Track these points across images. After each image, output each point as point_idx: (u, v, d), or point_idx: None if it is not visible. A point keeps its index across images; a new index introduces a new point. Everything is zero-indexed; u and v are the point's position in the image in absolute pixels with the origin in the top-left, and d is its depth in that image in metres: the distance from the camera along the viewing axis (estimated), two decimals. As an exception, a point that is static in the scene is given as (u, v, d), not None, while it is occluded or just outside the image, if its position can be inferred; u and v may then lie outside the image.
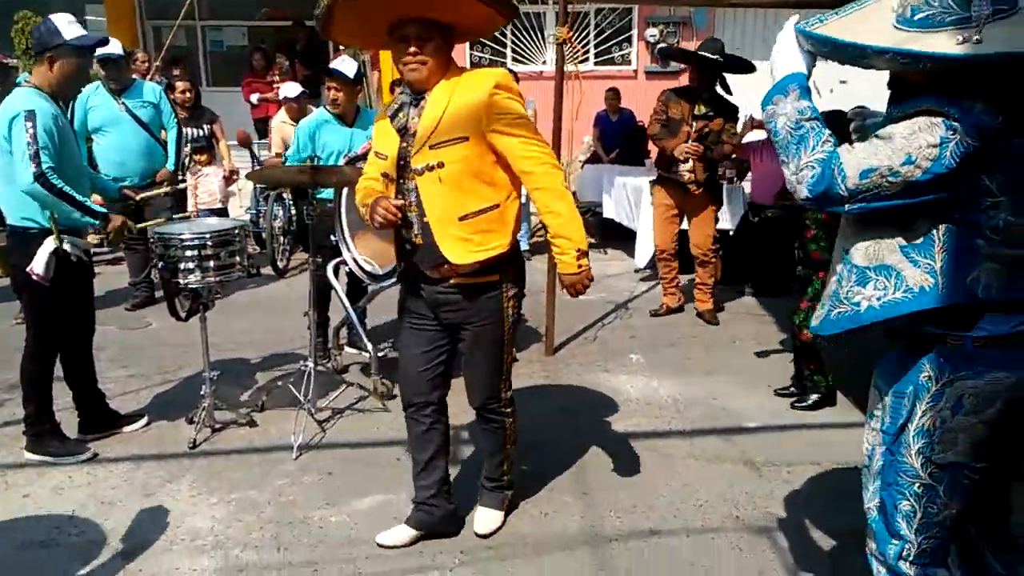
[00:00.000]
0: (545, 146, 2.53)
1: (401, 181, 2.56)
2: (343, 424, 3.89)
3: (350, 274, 4.20)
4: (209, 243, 3.52)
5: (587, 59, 10.73)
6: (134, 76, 6.13)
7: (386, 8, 2.40)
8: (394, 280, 3.58)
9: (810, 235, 3.86)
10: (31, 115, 3.17)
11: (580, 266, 2.49)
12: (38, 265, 3.28)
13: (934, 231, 1.75)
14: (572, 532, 2.97)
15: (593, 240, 8.15)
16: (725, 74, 5.39)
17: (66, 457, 3.50)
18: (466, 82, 2.49)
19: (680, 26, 10.74)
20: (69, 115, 4.06)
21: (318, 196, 4.35)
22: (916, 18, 1.68)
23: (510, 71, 7.73)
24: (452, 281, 2.58)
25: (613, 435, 3.79)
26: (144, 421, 3.88)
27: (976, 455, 1.83)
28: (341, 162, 4.31)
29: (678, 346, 5.09)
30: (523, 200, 7.67)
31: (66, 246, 3.34)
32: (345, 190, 4.06)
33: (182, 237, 3.50)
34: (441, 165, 2.45)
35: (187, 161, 6.62)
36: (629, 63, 10.96)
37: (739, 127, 5.73)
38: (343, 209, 4.14)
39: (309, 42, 10.33)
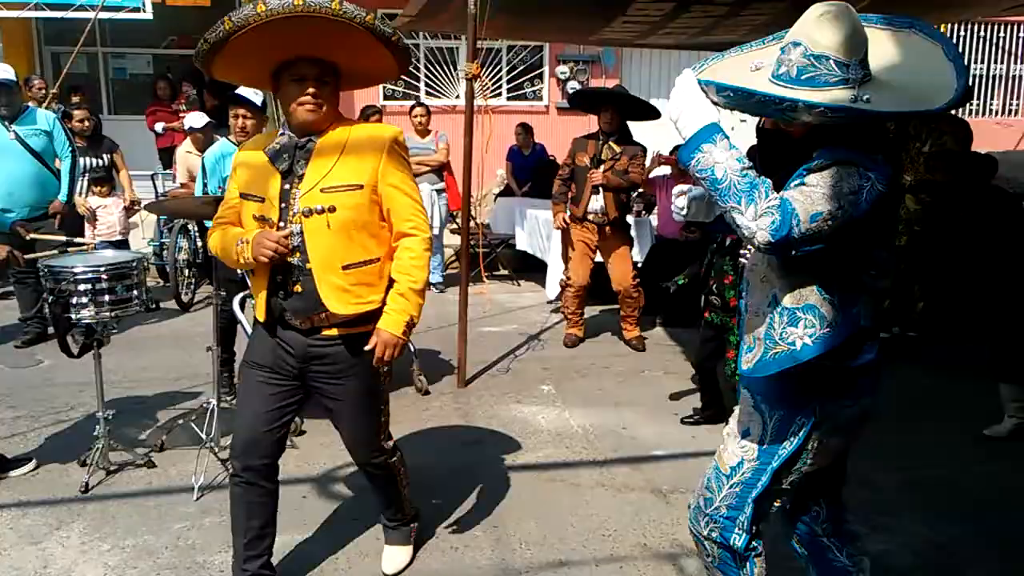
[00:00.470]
0: (424, 214, 2.55)
1: (282, 225, 2.40)
2: (248, 462, 3.76)
3: (256, 308, 4.09)
4: (104, 276, 3.38)
5: (500, 94, 10.89)
6: (27, 103, 5.88)
7: (288, 46, 2.31)
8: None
9: (728, 281, 3.95)
10: None
11: (405, 333, 2.45)
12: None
13: (837, 270, 1.90)
14: (483, 565, 2.95)
15: (506, 272, 8.22)
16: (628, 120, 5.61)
17: (-57, 506, 3.28)
18: (362, 131, 2.48)
19: (590, 64, 11.05)
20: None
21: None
22: (802, 77, 1.82)
23: (423, 104, 7.82)
24: (326, 332, 2.47)
25: (524, 466, 3.79)
26: (32, 465, 3.67)
27: (826, 466, 2.11)
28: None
29: (589, 377, 5.15)
30: (436, 231, 7.70)
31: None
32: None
33: (74, 270, 3.36)
34: (332, 209, 2.36)
35: (84, 192, 6.38)
36: (541, 99, 11.19)
37: (647, 162, 5.93)
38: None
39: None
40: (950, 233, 5.47)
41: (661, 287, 5.42)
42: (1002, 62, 12.13)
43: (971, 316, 5.37)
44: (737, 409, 2.17)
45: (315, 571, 2.91)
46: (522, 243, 7.82)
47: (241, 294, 4.13)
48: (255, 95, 4.32)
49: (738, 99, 1.87)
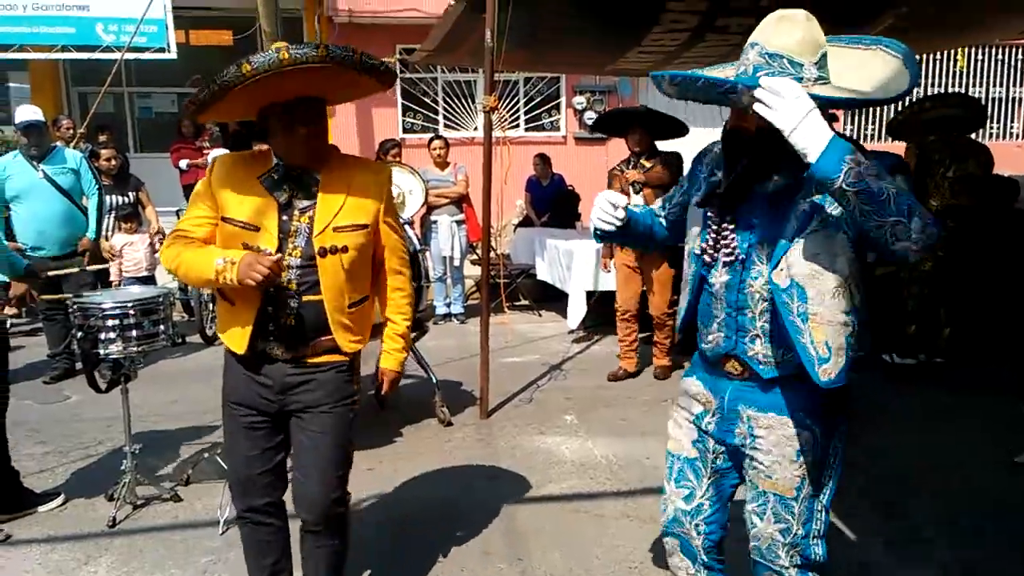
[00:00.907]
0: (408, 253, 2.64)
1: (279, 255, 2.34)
2: (272, 496, 3.77)
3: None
4: (131, 312, 3.43)
5: (517, 125, 10.99)
6: (55, 143, 6.02)
7: (277, 90, 2.25)
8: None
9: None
10: None
11: (402, 367, 2.64)
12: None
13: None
14: (508, 599, 2.93)
15: (527, 302, 8.23)
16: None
17: (-26, 541, 3.31)
18: (360, 168, 2.48)
19: (606, 94, 11.13)
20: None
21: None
22: (757, 74, 1.84)
23: (441, 137, 7.91)
24: (309, 360, 2.41)
25: (548, 498, 3.77)
26: (61, 500, 3.70)
27: None
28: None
29: (613, 407, 5.13)
30: (456, 262, 7.71)
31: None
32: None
33: (103, 306, 3.41)
34: (345, 250, 2.36)
35: (111, 229, 6.49)
36: (558, 129, 11.27)
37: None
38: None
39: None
40: (975, 257, 5.43)
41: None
42: (1022, 85, 12.08)
43: (997, 339, 5.31)
44: (770, 436, 2.02)
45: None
46: (542, 273, 7.83)
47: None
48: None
49: (687, 87, 1.87)
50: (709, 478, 2.17)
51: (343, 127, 10.35)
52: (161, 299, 3.59)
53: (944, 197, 5.46)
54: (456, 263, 7.57)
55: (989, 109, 12.07)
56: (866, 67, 1.91)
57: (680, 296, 2.21)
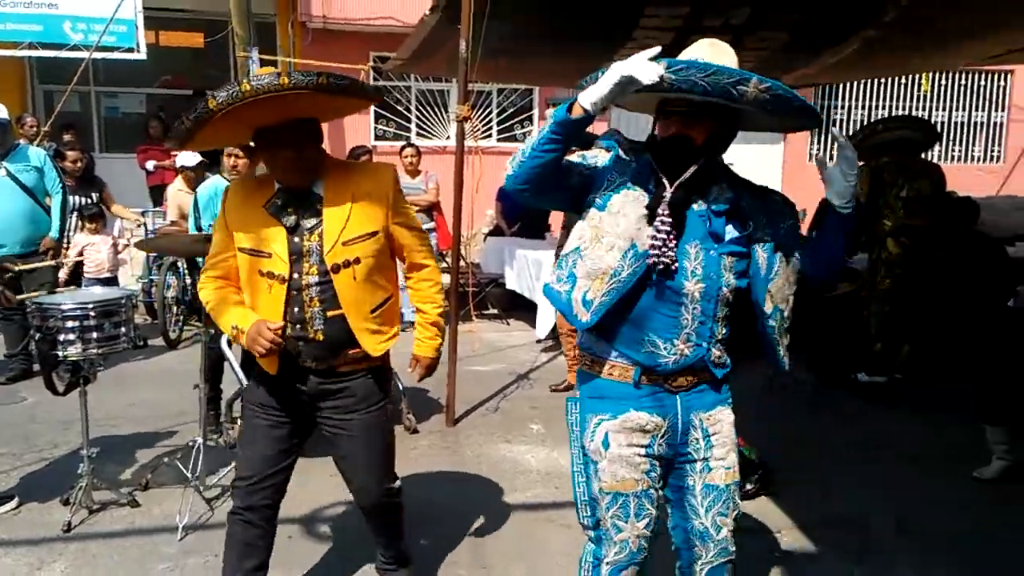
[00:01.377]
0: (428, 240, 2.69)
1: (295, 277, 2.41)
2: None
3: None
4: (92, 313, 3.37)
5: (490, 135, 11.01)
6: (19, 141, 5.91)
7: (263, 115, 2.28)
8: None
9: None
10: None
11: (438, 352, 2.75)
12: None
13: None
14: (470, 608, 2.91)
15: (495, 311, 8.23)
16: None
17: (-79, 545, 3.22)
18: (361, 176, 2.50)
19: (579, 107, 11.18)
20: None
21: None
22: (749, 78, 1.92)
23: (413, 145, 7.91)
24: (341, 369, 2.52)
25: (513, 506, 3.76)
26: (14, 503, 3.62)
27: None
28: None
29: (578, 416, 5.13)
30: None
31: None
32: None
33: (63, 307, 3.35)
34: (357, 261, 2.43)
35: (75, 229, 6.39)
36: (531, 140, 11.30)
37: None
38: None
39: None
40: (932, 276, 5.54)
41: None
42: (983, 109, 12.38)
43: (956, 358, 5.41)
44: (721, 428, 2.17)
45: (300, 613, 2.87)
46: (511, 282, 7.84)
47: (230, 331, 4.12)
48: (249, 135, 4.35)
49: (689, 75, 1.82)
50: (656, 499, 2.19)
51: (314, 132, 10.27)
52: (123, 301, 3.54)
53: (898, 217, 5.58)
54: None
55: (952, 133, 12.37)
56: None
57: (587, 287, 2.06)
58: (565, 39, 5.31)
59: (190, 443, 3.73)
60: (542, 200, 2.16)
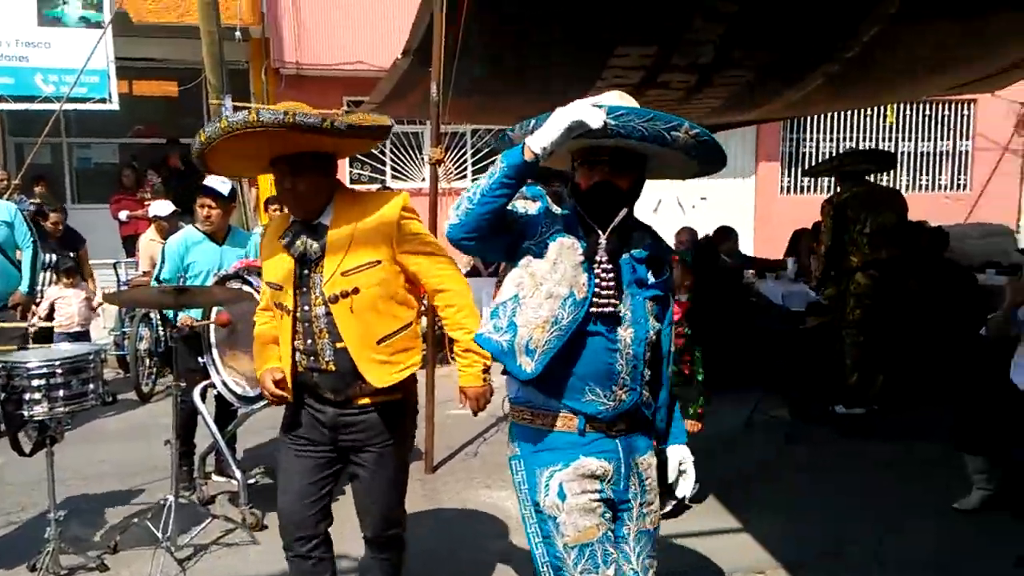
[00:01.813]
0: (453, 262, 2.61)
1: (306, 308, 2.47)
2: (207, 562, 3.62)
3: (219, 396, 4.01)
4: (59, 371, 3.30)
5: (464, 176, 11.07)
6: (-12, 195, 5.85)
7: (261, 148, 2.40)
8: (265, 403, 3.41)
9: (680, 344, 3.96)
10: None
11: (484, 379, 2.59)
12: None
13: None
14: (452, 665, 2.83)
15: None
16: None
17: None
18: (369, 205, 2.50)
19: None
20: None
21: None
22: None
23: (388, 188, 7.90)
24: (358, 401, 2.51)
25: (494, 554, 3.69)
26: (-23, 571, 3.50)
27: None
28: (210, 281, 4.18)
29: (559, 458, 5.07)
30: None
31: None
32: (215, 309, 3.94)
33: (28, 365, 3.28)
34: (356, 291, 2.42)
35: (48, 283, 6.33)
36: (505, 180, 11.35)
37: None
38: (212, 329, 4.00)
39: (184, 159, 10.22)
40: (904, 305, 5.57)
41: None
42: (948, 139, 12.63)
43: (930, 386, 5.43)
44: (651, 472, 2.21)
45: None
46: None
47: (202, 384, 4.05)
48: (222, 184, 4.31)
49: (629, 120, 1.88)
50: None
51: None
52: (91, 356, 3.47)
53: (864, 254, 5.62)
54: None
55: (917, 163, 12.59)
56: None
57: (528, 336, 2.04)
58: (536, 79, 5.37)
59: (161, 501, 3.64)
60: (484, 248, 2.15)
